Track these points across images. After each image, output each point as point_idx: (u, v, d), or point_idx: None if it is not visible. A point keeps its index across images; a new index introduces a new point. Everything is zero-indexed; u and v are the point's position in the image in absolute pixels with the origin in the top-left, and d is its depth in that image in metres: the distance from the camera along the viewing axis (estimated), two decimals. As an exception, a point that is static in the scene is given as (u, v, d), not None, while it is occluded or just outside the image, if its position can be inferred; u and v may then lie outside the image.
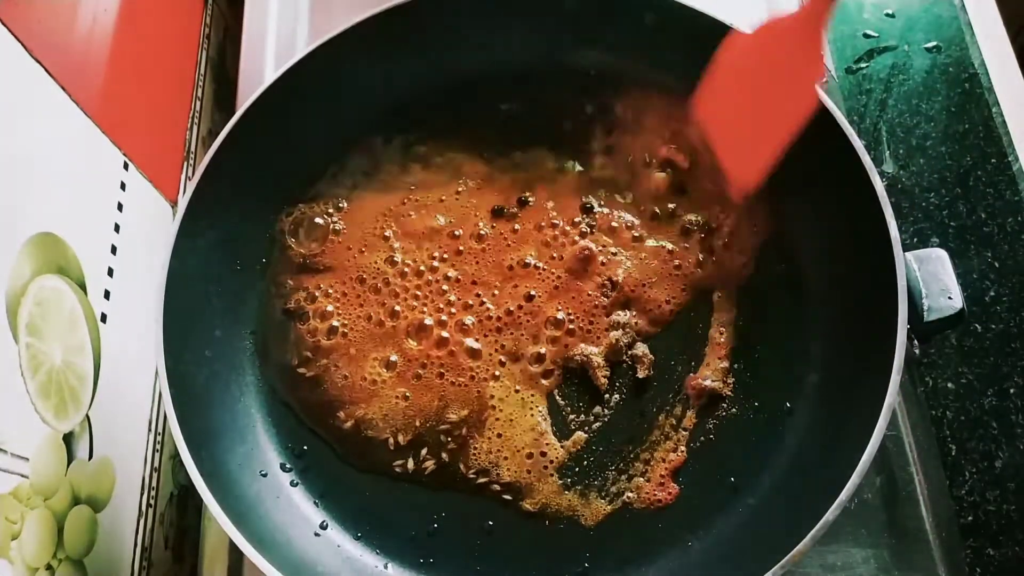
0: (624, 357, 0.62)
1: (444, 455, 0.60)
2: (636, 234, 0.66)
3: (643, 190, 0.67)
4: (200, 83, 0.83)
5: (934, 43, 0.81)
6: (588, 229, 0.66)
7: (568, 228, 0.66)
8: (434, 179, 0.69)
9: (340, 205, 0.68)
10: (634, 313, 0.63)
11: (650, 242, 0.66)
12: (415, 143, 0.70)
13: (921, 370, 0.69)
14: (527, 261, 0.65)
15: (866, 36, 0.83)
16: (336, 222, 0.68)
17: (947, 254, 0.57)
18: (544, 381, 0.62)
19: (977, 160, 0.75)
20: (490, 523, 0.59)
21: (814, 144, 0.60)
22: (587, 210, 0.67)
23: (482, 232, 0.66)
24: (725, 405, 0.61)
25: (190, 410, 0.56)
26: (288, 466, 0.61)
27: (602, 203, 0.67)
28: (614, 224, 0.66)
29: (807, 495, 0.53)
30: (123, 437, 0.63)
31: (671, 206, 0.67)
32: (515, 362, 0.62)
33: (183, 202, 0.61)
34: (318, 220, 0.68)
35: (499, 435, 0.61)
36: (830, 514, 0.49)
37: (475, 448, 0.60)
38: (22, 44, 0.54)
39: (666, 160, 0.68)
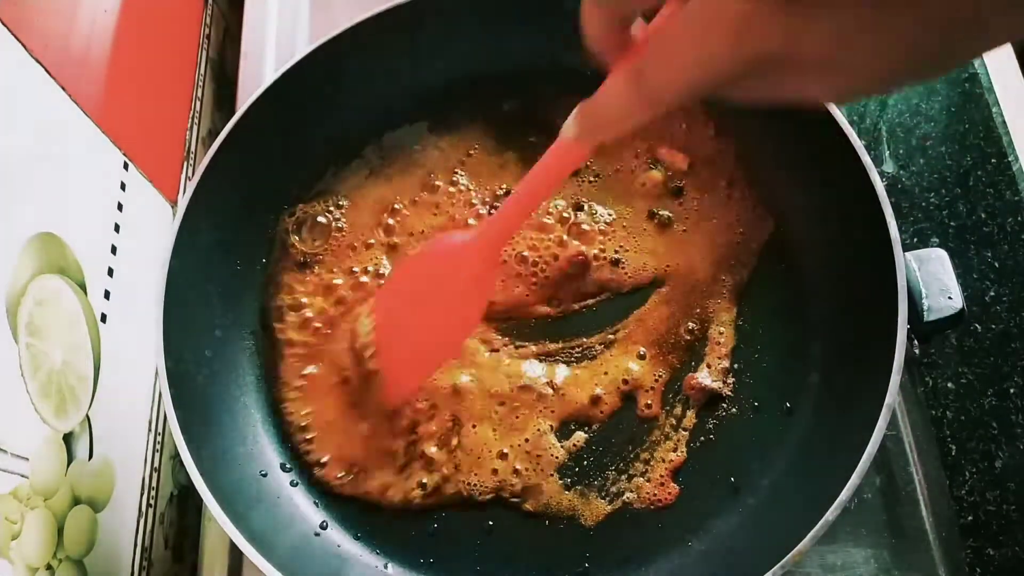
0: (624, 357, 0.62)
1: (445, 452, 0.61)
2: (631, 232, 0.66)
3: (639, 189, 0.67)
4: (200, 83, 0.83)
5: (934, 43, 0.81)
6: (584, 227, 0.66)
7: (558, 226, 0.66)
8: (434, 177, 0.69)
9: (341, 203, 0.68)
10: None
11: (647, 240, 0.66)
12: (415, 142, 0.70)
13: (921, 370, 0.69)
14: (523, 255, 0.65)
15: (866, 36, 0.83)
16: (338, 220, 0.68)
17: (947, 254, 0.57)
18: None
19: (977, 160, 0.75)
20: (490, 523, 0.59)
21: (814, 144, 0.60)
22: (579, 208, 0.67)
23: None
24: (725, 405, 0.61)
25: (190, 410, 0.56)
26: (288, 466, 0.61)
27: (596, 201, 0.67)
28: (607, 223, 0.66)
29: (807, 495, 0.53)
30: (123, 437, 0.63)
31: (668, 205, 0.67)
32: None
33: (183, 202, 0.61)
34: (320, 219, 0.68)
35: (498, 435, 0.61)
36: (830, 514, 0.49)
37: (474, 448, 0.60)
38: (22, 44, 0.54)
39: (664, 160, 0.68)
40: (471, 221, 0.67)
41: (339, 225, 0.68)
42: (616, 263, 0.65)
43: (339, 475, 0.60)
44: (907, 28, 0.29)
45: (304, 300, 0.65)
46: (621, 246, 0.66)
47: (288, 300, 0.65)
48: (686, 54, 0.33)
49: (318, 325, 0.64)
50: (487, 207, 0.67)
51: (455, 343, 0.59)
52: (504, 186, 0.68)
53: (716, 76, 0.32)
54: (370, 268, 0.66)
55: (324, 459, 0.61)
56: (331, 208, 0.68)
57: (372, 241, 0.67)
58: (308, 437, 0.62)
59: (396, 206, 0.68)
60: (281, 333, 0.64)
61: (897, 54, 0.31)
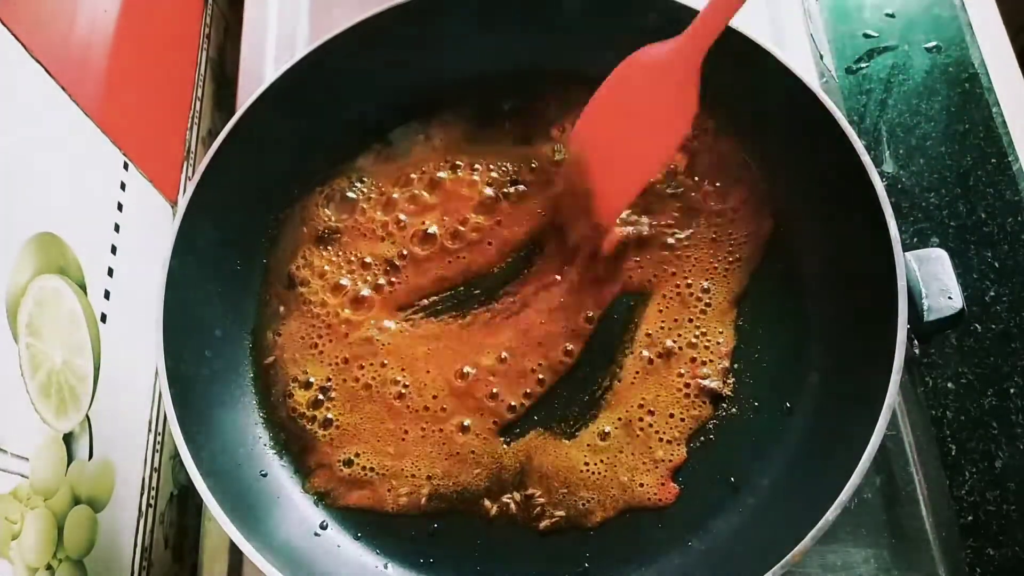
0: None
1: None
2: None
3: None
4: (200, 83, 0.83)
5: (934, 43, 0.81)
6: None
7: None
8: (433, 176, 0.69)
9: (340, 203, 0.69)
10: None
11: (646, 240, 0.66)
12: (415, 141, 0.70)
13: (921, 370, 0.69)
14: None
15: (866, 36, 0.83)
16: (338, 220, 0.68)
17: (947, 254, 0.57)
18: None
19: (977, 160, 0.75)
20: (490, 523, 0.59)
21: (814, 144, 0.60)
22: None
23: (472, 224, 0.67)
24: (725, 405, 0.61)
25: (190, 410, 0.56)
26: (288, 466, 0.61)
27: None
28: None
29: (807, 495, 0.53)
30: (123, 437, 0.63)
31: (666, 202, 0.67)
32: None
33: (183, 202, 0.61)
34: (320, 219, 0.68)
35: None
36: (830, 514, 0.49)
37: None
38: (22, 44, 0.54)
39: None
40: (471, 217, 0.67)
41: (338, 225, 0.68)
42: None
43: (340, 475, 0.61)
44: None
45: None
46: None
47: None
48: None
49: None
50: (488, 204, 0.68)
51: (663, 157, 0.60)
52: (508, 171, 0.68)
53: None
54: (368, 259, 0.66)
55: (325, 459, 0.61)
56: (331, 207, 0.68)
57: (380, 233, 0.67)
58: (308, 436, 0.62)
59: (396, 204, 0.68)
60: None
61: None
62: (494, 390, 0.61)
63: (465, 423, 0.61)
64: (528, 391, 0.61)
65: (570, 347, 0.62)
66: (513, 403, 0.61)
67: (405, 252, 0.66)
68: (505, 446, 0.60)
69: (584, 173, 0.62)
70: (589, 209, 0.63)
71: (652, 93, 0.57)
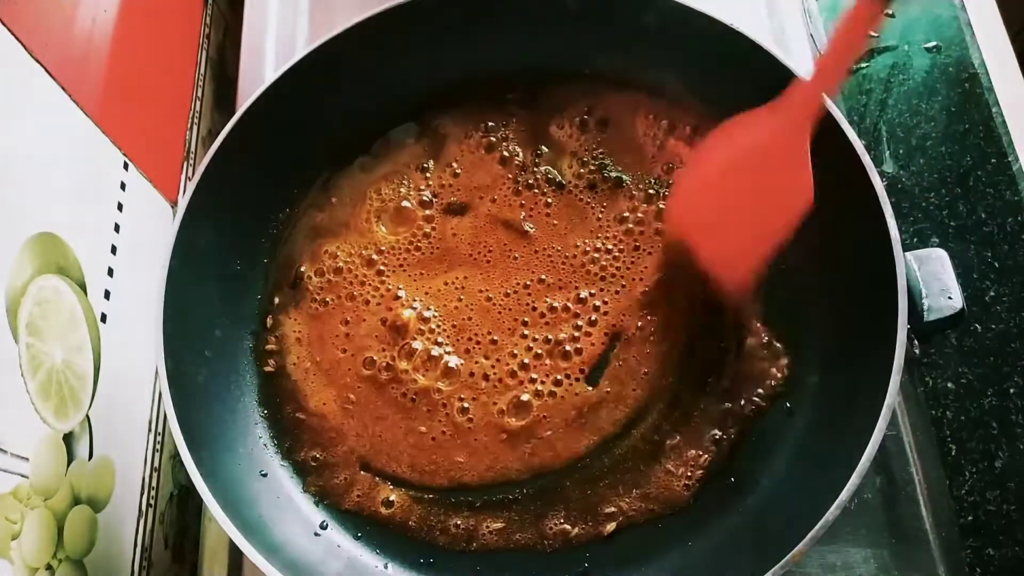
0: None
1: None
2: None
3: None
4: (200, 83, 0.83)
5: (934, 43, 0.81)
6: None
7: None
8: (433, 175, 0.69)
9: (340, 202, 0.69)
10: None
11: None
12: (415, 141, 0.70)
13: (921, 370, 0.69)
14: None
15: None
16: (339, 219, 0.68)
17: (947, 254, 0.57)
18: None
19: (977, 160, 0.75)
20: (490, 523, 0.59)
21: (814, 144, 0.60)
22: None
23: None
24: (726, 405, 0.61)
25: (190, 410, 0.56)
26: (288, 466, 0.61)
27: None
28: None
29: (807, 495, 0.53)
30: (123, 437, 0.63)
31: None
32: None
33: (183, 202, 0.61)
34: (320, 218, 0.68)
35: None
36: (830, 514, 0.49)
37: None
38: (22, 44, 0.54)
39: (673, 152, 0.68)
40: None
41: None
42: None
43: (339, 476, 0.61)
44: None
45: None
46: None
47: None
48: None
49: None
50: (485, 205, 0.68)
51: (786, 221, 0.54)
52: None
53: None
54: (374, 253, 0.66)
55: (324, 459, 0.61)
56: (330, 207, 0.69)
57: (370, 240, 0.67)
58: (308, 437, 0.62)
59: (397, 204, 0.68)
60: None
61: None
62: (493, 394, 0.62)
63: (465, 406, 0.61)
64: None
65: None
66: (526, 399, 0.61)
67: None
68: (511, 450, 0.60)
69: (690, 253, 0.59)
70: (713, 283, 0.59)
71: (756, 177, 0.54)
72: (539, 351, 0.62)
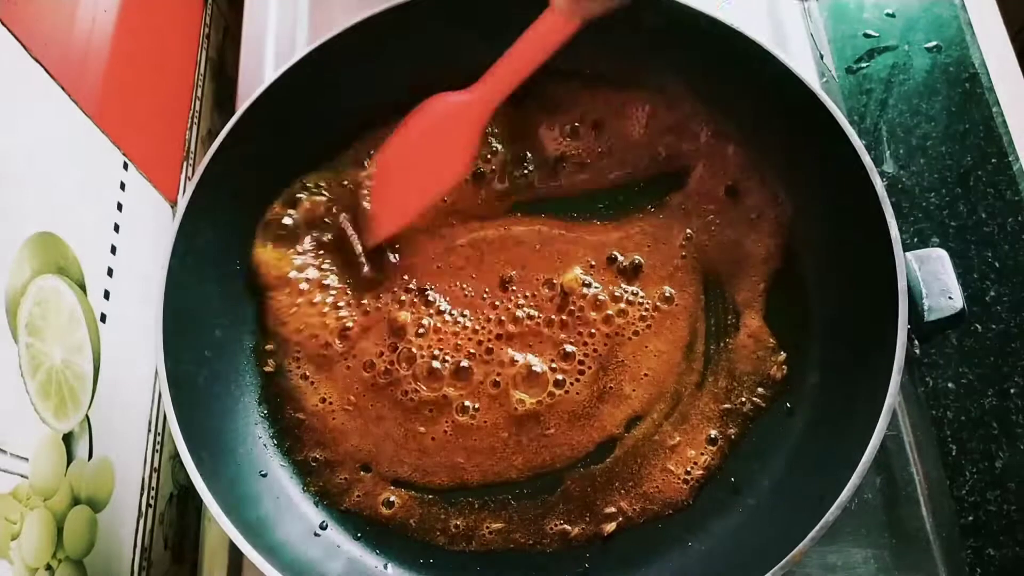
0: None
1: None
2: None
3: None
4: (200, 83, 0.83)
5: (934, 43, 0.81)
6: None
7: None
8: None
9: (340, 202, 0.68)
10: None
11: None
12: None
13: (921, 370, 0.69)
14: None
15: (866, 36, 0.83)
16: (339, 218, 0.68)
17: (947, 254, 0.57)
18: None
19: (977, 160, 0.75)
20: (490, 524, 0.59)
21: (814, 144, 0.60)
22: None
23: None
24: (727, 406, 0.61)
25: (190, 410, 0.56)
26: (288, 466, 0.61)
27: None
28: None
29: (807, 495, 0.53)
30: (123, 437, 0.63)
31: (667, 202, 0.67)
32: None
33: (183, 202, 0.61)
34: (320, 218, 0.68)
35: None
36: (830, 514, 0.49)
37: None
38: (22, 44, 0.54)
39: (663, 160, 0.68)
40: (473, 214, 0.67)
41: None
42: (612, 260, 0.65)
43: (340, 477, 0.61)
44: None
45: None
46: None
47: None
48: None
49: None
50: (487, 203, 0.68)
51: (436, 191, 0.66)
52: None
53: None
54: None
55: (325, 459, 0.61)
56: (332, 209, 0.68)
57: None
58: (308, 437, 0.62)
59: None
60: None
61: None
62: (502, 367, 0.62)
63: (465, 405, 0.61)
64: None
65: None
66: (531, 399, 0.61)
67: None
68: (511, 450, 0.60)
69: (368, 195, 0.67)
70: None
71: (438, 137, 0.64)
72: (539, 351, 0.62)
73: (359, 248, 0.66)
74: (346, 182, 0.69)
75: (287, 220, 0.67)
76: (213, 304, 0.63)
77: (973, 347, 0.69)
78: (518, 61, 0.60)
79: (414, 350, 0.63)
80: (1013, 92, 0.77)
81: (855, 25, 0.84)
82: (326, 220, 0.68)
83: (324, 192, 0.69)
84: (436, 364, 0.62)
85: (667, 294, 0.64)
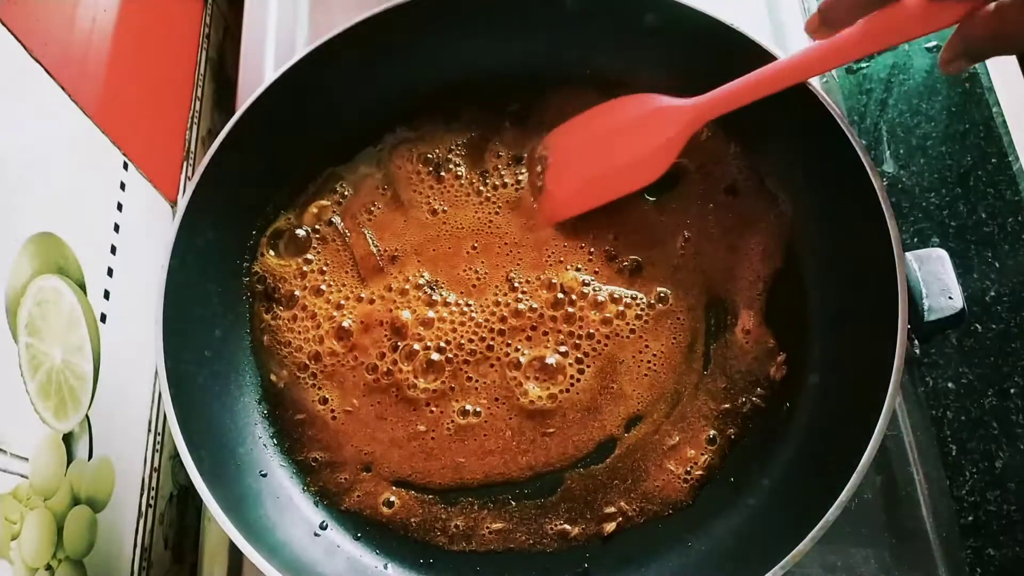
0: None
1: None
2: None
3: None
4: (200, 83, 0.83)
5: (934, 43, 0.81)
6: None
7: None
8: (433, 174, 0.69)
9: (341, 202, 0.69)
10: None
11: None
12: (415, 141, 0.70)
13: (921, 370, 0.69)
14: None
15: (866, 36, 0.83)
16: (338, 218, 0.68)
17: (947, 254, 0.57)
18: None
19: (977, 160, 0.75)
20: (490, 523, 0.59)
21: (814, 144, 0.60)
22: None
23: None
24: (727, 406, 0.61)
25: (190, 410, 0.56)
26: (288, 466, 0.61)
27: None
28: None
29: (807, 495, 0.53)
30: (123, 437, 0.63)
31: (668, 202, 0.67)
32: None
33: (183, 202, 0.61)
34: (321, 217, 0.68)
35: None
36: (830, 514, 0.49)
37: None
38: (22, 44, 0.54)
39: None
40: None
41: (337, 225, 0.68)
42: (612, 260, 0.65)
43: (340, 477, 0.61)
44: None
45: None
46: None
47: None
48: None
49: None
50: (486, 201, 0.68)
51: (625, 188, 0.64)
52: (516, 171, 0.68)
53: None
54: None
55: (325, 459, 0.61)
56: (333, 208, 0.68)
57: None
58: (309, 437, 0.62)
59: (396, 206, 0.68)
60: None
61: None
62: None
63: (467, 408, 0.61)
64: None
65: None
66: (541, 395, 0.61)
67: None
68: (512, 451, 0.60)
69: (543, 172, 0.66)
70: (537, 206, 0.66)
71: (642, 134, 0.62)
72: (539, 352, 0.62)
73: (375, 247, 0.65)
74: (344, 182, 0.69)
75: (287, 220, 0.67)
76: (213, 304, 0.64)
77: (973, 347, 0.69)
78: (766, 80, 0.56)
79: (416, 346, 0.63)
80: (1013, 92, 0.77)
81: (855, 25, 0.83)
82: (326, 220, 0.68)
83: (324, 192, 0.69)
84: (435, 356, 0.62)
85: (667, 294, 0.64)
